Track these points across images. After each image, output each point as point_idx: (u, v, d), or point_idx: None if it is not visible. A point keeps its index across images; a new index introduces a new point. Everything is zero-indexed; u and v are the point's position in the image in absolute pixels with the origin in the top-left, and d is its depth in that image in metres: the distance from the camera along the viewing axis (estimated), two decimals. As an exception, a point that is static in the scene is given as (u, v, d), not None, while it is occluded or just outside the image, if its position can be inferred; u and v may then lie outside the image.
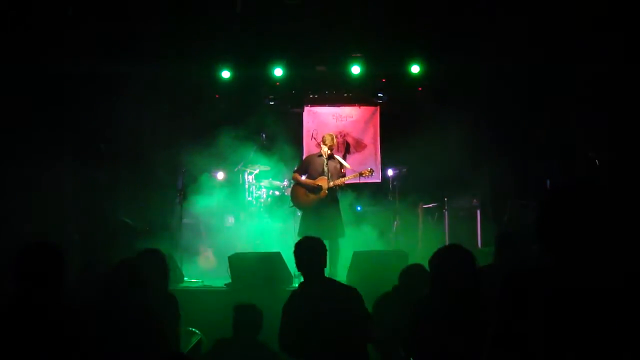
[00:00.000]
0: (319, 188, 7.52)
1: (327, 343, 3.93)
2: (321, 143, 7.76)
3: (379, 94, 10.08)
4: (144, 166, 8.46)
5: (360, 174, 7.69)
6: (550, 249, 1.95)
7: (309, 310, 4.04)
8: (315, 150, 8.92)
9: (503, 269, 3.64)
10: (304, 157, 9.64)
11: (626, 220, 1.93)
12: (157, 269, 4.02)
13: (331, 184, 7.44)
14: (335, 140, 7.85)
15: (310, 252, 4.20)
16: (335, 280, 4.44)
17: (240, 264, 6.87)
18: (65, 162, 7.91)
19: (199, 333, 5.14)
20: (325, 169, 7.55)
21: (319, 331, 3.94)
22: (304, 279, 4.25)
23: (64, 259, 3.01)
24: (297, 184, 7.79)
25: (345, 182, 7.78)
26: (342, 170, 7.80)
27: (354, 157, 10.15)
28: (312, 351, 4.00)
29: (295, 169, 8.00)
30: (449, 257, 3.28)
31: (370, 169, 7.83)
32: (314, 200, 7.56)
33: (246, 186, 9.20)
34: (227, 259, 6.99)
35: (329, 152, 7.61)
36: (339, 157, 7.93)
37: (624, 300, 1.81)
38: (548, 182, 8.13)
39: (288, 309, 4.17)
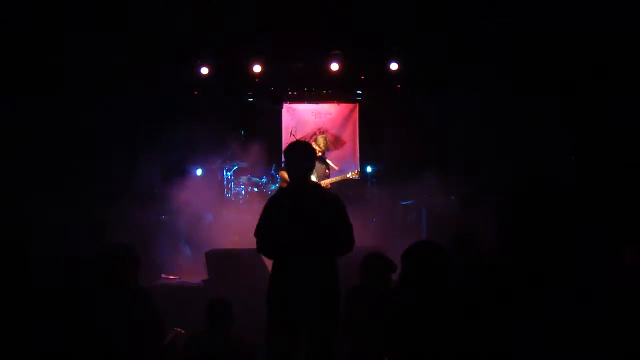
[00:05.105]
0: None
1: (302, 243, 3.89)
2: (313, 144, 7.81)
3: (358, 91, 10.12)
4: (120, 163, 8.39)
5: (346, 177, 7.93)
6: (508, 247, 1.99)
7: (289, 208, 4.03)
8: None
9: (463, 266, 3.67)
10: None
11: (586, 220, 1.96)
12: (130, 262, 4.00)
13: (322, 184, 7.51)
14: (327, 142, 8.14)
15: (300, 155, 4.16)
16: (320, 185, 4.33)
17: (217, 260, 6.86)
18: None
19: (175, 329, 5.12)
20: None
21: (295, 229, 3.92)
22: (291, 180, 4.19)
23: (29, 254, 2.99)
24: (286, 181, 7.82)
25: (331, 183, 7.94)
26: (327, 172, 8.02)
27: (333, 154, 10.15)
28: (286, 251, 3.96)
29: (283, 166, 8.04)
30: (420, 253, 3.30)
31: (357, 171, 8.03)
32: None
33: (225, 182, 9.18)
34: (204, 255, 6.98)
35: (320, 153, 7.80)
36: (327, 160, 8.16)
37: (577, 295, 1.85)
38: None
39: (269, 206, 4.14)
